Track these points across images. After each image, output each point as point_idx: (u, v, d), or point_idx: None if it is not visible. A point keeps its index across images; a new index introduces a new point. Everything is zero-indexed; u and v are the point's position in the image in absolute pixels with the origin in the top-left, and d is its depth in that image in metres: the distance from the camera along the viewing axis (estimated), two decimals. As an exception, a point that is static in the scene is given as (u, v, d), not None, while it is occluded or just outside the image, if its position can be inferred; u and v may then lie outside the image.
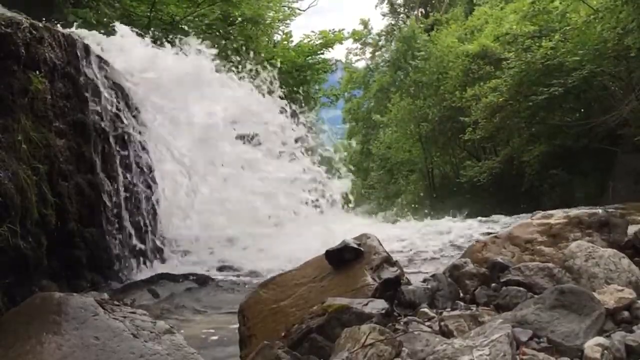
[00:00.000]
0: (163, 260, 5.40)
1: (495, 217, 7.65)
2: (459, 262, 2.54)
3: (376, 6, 30.85)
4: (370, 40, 29.53)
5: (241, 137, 6.55)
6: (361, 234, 2.74)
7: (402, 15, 30.32)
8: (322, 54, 16.39)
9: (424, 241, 5.71)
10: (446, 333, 1.92)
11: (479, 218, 7.41)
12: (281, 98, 6.98)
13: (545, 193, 13.28)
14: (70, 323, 2.28)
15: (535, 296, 1.99)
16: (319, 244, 3.44)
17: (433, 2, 28.22)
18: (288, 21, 17.16)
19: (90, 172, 4.78)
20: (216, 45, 7.38)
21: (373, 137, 25.17)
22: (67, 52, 4.69)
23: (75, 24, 5.72)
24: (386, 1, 30.46)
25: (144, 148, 5.36)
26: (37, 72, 4.18)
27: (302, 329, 2.09)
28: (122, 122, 5.11)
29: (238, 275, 4.85)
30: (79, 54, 4.82)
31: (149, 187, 5.35)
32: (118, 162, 5.07)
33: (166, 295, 4.34)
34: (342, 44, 17.05)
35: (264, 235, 5.59)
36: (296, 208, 6.30)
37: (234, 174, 5.67)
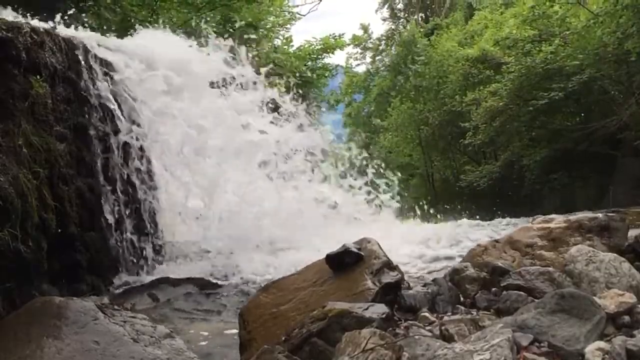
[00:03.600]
0: (163, 265, 5.39)
1: (495, 221, 7.64)
2: (460, 266, 2.54)
3: (376, 11, 31.03)
4: (370, 45, 29.58)
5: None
6: (361, 238, 2.74)
7: (402, 19, 30.40)
8: (323, 59, 16.42)
9: (425, 245, 5.70)
10: (447, 337, 1.92)
11: (479, 222, 7.40)
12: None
13: (545, 197, 13.28)
14: (70, 327, 2.28)
15: (536, 300, 1.99)
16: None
17: (433, 6, 28.30)
18: (288, 26, 17.20)
19: (91, 176, 4.78)
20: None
21: (373, 141, 25.18)
22: (67, 57, 4.70)
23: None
24: (386, 6, 30.56)
25: (145, 151, 5.36)
26: (38, 76, 4.18)
27: (303, 333, 2.08)
28: (122, 125, 5.12)
29: (238, 280, 4.83)
30: (80, 58, 4.83)
31: (150, 190, 5.35)
32: (119, 165, 5.07)
33: (166, 300, 4.32)
34: (342, 49, 17.09)
35: (266, 239, 5.58)
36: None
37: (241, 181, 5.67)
